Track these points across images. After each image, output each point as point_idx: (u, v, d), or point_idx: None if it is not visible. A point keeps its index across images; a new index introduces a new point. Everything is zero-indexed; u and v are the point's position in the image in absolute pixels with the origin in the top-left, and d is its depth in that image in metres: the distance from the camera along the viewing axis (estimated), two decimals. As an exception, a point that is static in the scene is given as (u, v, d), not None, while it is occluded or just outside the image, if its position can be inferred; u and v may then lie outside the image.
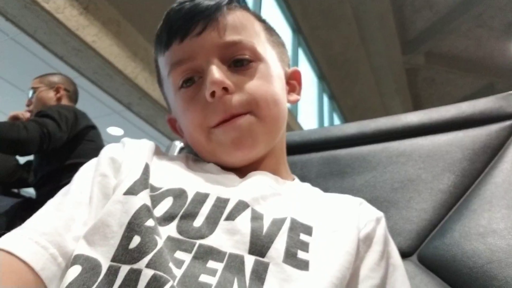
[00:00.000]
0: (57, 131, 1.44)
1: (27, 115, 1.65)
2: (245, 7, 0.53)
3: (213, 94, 0.45)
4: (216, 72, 0.45)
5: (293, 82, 0.58)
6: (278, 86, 0.51)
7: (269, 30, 0.56)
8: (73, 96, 1.78)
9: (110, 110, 3.70)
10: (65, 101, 1.70)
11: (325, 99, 6.12)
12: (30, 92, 1.70)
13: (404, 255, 0.52)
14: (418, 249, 0.53)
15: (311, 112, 5.59)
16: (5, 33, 2.91)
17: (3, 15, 2.27)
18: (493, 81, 6.55)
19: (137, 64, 2.81)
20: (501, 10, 5.46)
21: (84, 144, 1.57)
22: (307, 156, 0.70)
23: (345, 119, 6.59)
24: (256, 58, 0.49)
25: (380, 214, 0.46)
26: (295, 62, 4.89)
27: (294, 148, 0.68)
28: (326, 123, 5.87)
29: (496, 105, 0.62)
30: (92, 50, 2.50)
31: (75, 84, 1.82)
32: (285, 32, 4.92)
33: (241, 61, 0.48)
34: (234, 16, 0.50)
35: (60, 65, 2.71)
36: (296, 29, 5.11)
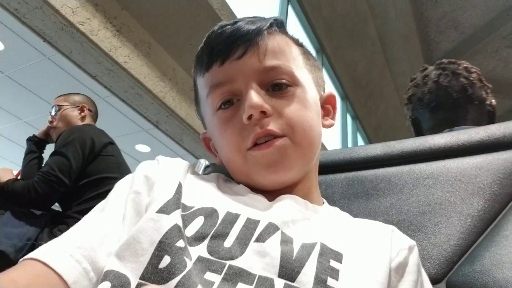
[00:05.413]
0: (68, 170, 1.52)
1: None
2: (284, 31, 0.54)
3: (250, 117, 0.45)
4: (255, 96, 0.46)
5: (328, 106, 0.58)
6: (314, 111, 0.51)
7: (306, 54, 0.56)
8: (95, 116, 1.92)
9: (139, 128, 3.81)
10: (88, 120, 1.83)
11: (349, 119, 6.06)
12: (53, 110, 1.82)
13: (432, 282, 0.50)
14: (447, 276, 0.52)
15: (335, 132, 5.55)
16: (42, 53, 3.06)
17: (41, 36, 2.39)
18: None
19: (165, 83, 2.89)
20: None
21: (104, 159, 1.64)
22: (332, 176, 0.70)
23: (369, 139, 6.49)
24: (294, 82, 0.49)
25: (413, 242, 0.45)
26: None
27: (319, 168, 0.68)
28: (350, 143, 5.80)
29: (528, 129, 0.61)
30: (124, 70, 2.59)
31: (96, 105, 1.96)
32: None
33: (279, 86, 0.48)
34: (274, 41, 0.50)
35: (93, 84, 2.82)
36: (320, 49, 5.13)
